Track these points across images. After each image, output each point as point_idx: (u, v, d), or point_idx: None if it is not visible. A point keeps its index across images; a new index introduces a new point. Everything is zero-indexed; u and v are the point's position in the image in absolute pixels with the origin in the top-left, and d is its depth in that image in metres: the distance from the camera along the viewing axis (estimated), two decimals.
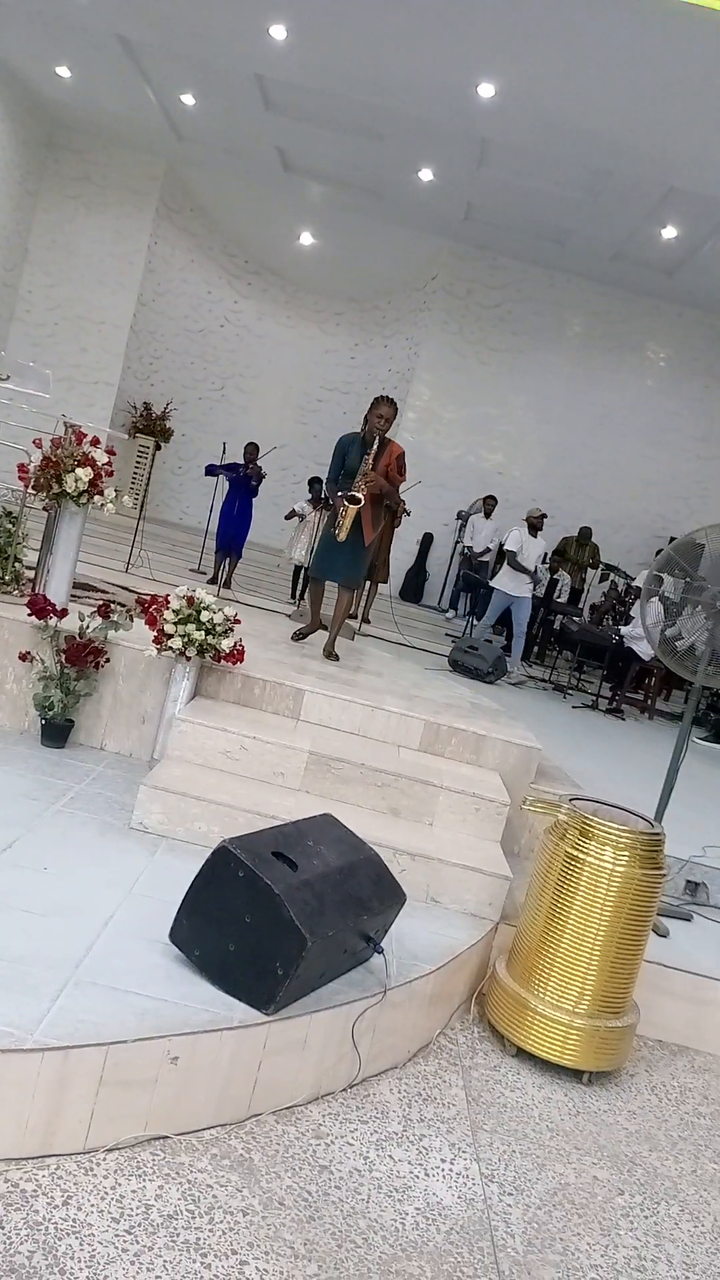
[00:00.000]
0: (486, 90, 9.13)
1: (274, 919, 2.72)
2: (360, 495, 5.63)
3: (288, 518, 10.77)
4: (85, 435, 4.92)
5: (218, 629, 4.58)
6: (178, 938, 2.90)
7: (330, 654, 6.03)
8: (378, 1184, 2.60)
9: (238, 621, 4.73)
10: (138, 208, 13.74)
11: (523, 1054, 3.42)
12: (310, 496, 10.33)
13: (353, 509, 5.66)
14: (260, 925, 2.74)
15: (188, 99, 11.39)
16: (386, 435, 5.82)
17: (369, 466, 5.69)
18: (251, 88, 10.54)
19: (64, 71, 11.54)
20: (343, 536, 5.74)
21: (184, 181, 14.07)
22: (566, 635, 11.42)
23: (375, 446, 5.72)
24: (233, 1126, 2.66)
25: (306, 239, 14.65)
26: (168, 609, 4.54)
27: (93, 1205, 2.24)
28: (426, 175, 11.65)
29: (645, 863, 3.34)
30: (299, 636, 6.26)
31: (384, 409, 5.73)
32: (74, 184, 13.70)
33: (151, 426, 14.18)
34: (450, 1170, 2.74)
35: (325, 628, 6.27)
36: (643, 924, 3.38)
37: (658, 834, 3.44)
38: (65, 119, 13.21)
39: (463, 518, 13.60)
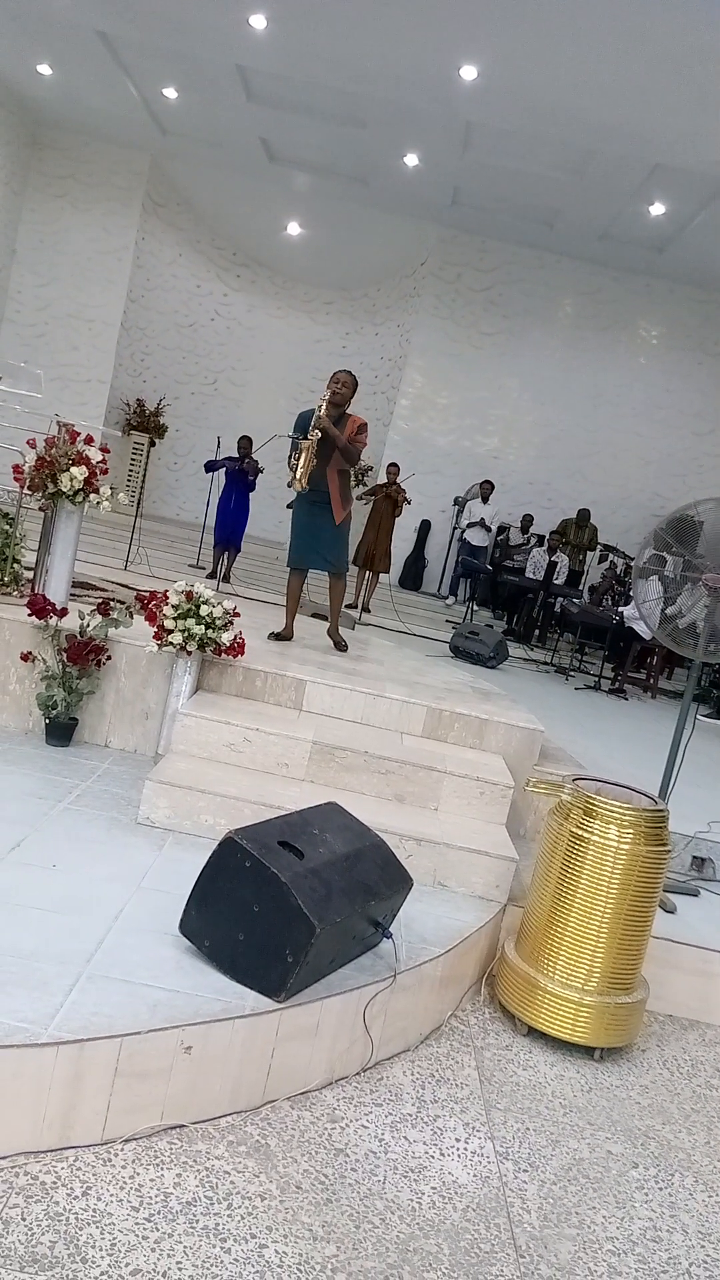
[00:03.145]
0: (469, 73, 9.10)
1: (282, 907, 2.74)
2: (312, 436, 5.48)
3: (290, 506, 10.76)
4: (79, 434, 4.93)
5: (217, 623, 4.60)
6: (187, 929, 2.92)
7: (338, 644, 6.06)
8: (393, 1165, 2.63)
9: (237, 615, 4.75)
10: (124, 204, 13.71)
11: (534, 1033, 3.45)
12: None
13: (306, 444, 5.48)
14: (269, 914, 2.77)
15: (170, 93, 11.35)
16: (346, 410, 5.72)
17: (321, 410, 5.54)
18: (233, 79, 10.51)
19: (45, 69, 11.50)
20: (301, 479, 5.53)
21: (169, 176, 14.03)
22: (567, 617, 11.43)
23: (323, 406, 5.56)
24: (248, 1113, 2.68)
25: (294, 229, 14.61)
26: (167, 604, 4.56)
27: (112, 1195, 2.27)
28: (412, 161, 11.62)
29: (650, 840, 3.36)
30: (275, 637, 5.87)
31: (340, 374, 5.74)
32: (59, 182, 13.67)
33: (145, 423, 14.19)
34: (465, 1149, 2.77)
35: (320, 616, 6.19)
36: (649, 900, 3.40)
37: (661, 811, 3.45)
38: (48, 117, 13.17)
39: (460, 503, 13.61)
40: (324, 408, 5.56)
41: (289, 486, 5.67)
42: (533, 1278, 2.34)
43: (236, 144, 12.40)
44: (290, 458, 5.61)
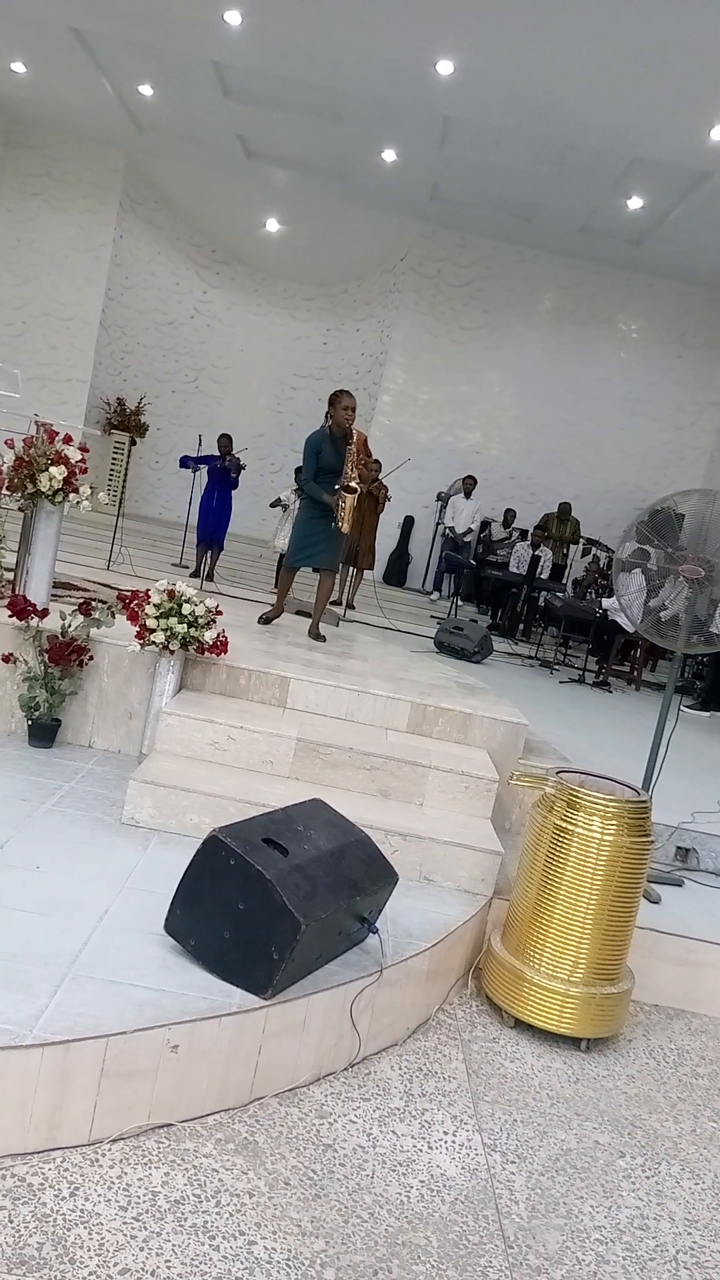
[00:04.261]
0: (445, 67, 9.09)
1: (267, 904, 2.74)
2: (355, 485, 5.92)
3: (273, 505, 10.77)
4: (57, 433, 4.91)
5: (200, 621, 4.59)
6: (173, 928, 2.92)
7: (315, 635, 6.24)
8: (382, 1159, 2.64)
9: (220, 613, 4.74)
10: (101, 202, 13.65)
11: (521, 1025, 3.46)
12: (295, 486, 10.32)
13: (351, 498, 5.91)
14: (253, 911, 2.77)
15: (145, 89, 11.30)
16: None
17: (355, 456, 5.91)
18: (209, 75, 10.46)
19: (19, 67, 11.42)
20: (346, 528, 5.97)
21: (146, 173, 13.97)
22: (551, 611, 11.46)
23: (350, 439, 5.91)
24: (236, 1111, 2.68)
25: (273, 225, 14.58)
26: (149, 603, 4.55)
27: (100, 1195, 2.26)
28: (390, 156, 11.60)
29: (633, 831, 3.38)
30: (265, 620, 6.37)
31: (349, 400, 5.91)
32: (35, 181, 13.59)
33: (126, 422, 14.13)
34: (453, 1142, 2.78)
35: (304, 614, 6.40)
36: (633, 891, 3.42)
37: (644, 802, 3.47)
38: (23, 115, 13.08)
39: (443, 499, 13.62)
40: (352, 468, 5.91)
41: (335, 524, 6.02)
42: (521, 1268, 2.35)
43: (214, 140, 12.35)
44: (331, 501, 5.95)
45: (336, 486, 5.90)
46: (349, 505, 5.93)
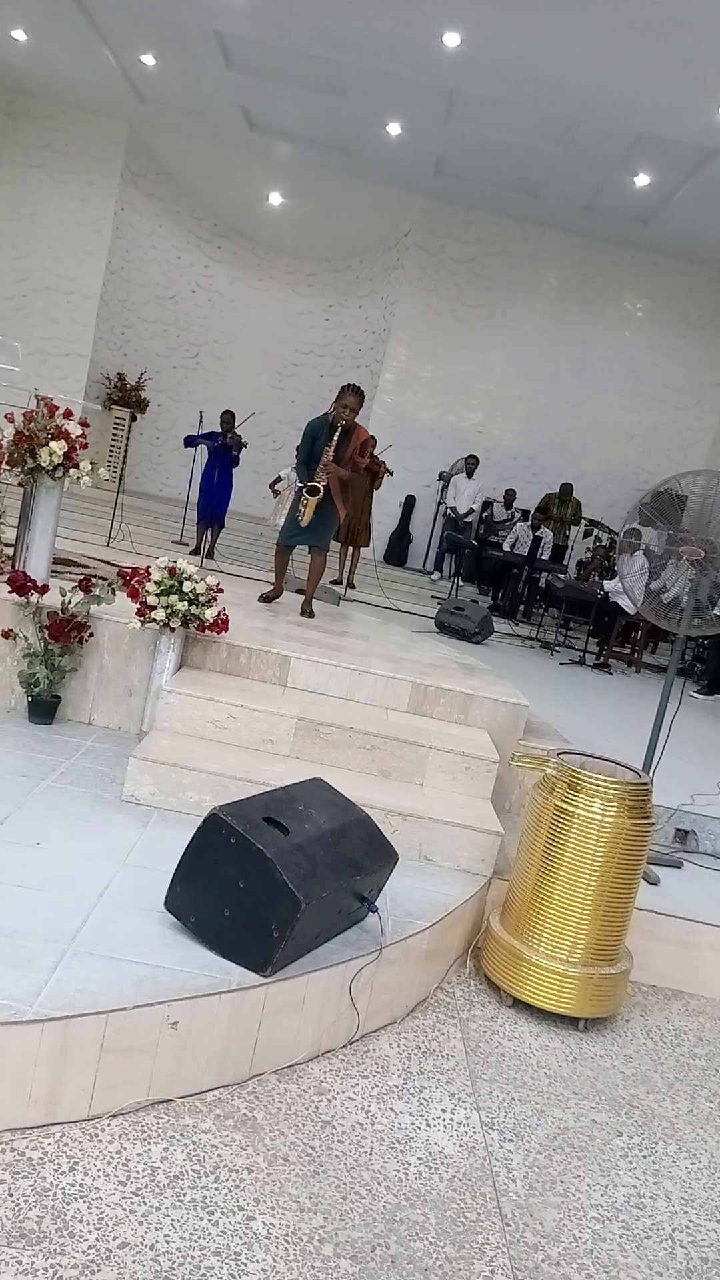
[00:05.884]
0: (451, 40, 8.95)
1: (267, 883, 2.74)
2: (319, 486, 5.91)
3: (273, 484, 10.72)
4: (58, 408, 4.86)
5: (200, 599, 4.57)
6: (173, 905, 2.92)
7: (306, 611, 6.26)
8: (380, 1136, 2.65)
9: (220, 591, 4.72)
10: (102, 174, 13.48)
11: (519, 1004, 3.47)
12: (295, 464, 10.28)
13: (313, 500, 5.94)
14: (254, 889, 2.76)
15: (148, 59, 11.13)
16: (354, 422, 6.01)
17: (329, 457, 5.90)
18: (212, 45, 10.31)
19: (19, 35, 11.25)
20: (305, 522, 6.01)
21: (148, 145, 13.80)
22: (552, 592, 11.44)
23: (338, 434, 5.89)
24: (235, 1087, 2.69)
25: (275, 199, 14.42)
26: (149, 581, 4.53)
27: (99, 1170, 2.27)
28: (394, 130, 11.46)
29: (633, 812, 3.38)
30: (265, 599, 6.41)
31: (350, 399, 5.92)
32: (36, 152, 13.42)
33: (126, 397, 14.03)
34: (451, 1120, 2.79)
35: (300, 591, 6.43)
36: (633, 873, 3.42)
37: (645, 784, 3.47)
38: (23, 85, 12.90)
39: (444, 478, 13.56)
40: (327, 464, 5.89)
41: (299, 521, 6.11)
42: (518, 1245, 2.37)
43: (216, 112, 12.19)
44: (297, 492, 6.15)
45: (300, 485, 6.00)
46: (309, 506, 5.96)
